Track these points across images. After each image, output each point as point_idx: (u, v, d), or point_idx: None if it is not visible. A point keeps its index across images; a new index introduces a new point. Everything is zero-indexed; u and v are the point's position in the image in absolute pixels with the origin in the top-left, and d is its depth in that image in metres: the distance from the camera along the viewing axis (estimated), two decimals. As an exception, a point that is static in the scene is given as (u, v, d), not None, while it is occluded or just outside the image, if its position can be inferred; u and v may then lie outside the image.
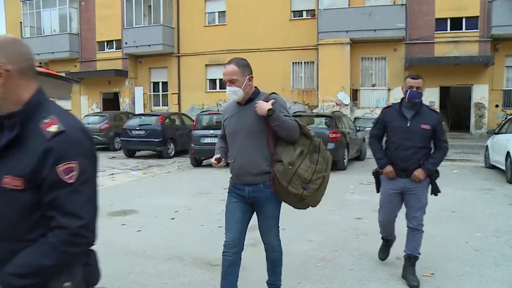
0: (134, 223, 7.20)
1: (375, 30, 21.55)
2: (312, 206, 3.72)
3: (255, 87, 3.66)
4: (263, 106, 3.42)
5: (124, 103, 27.92)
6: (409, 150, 4.47)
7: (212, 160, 3.80)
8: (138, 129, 16.55)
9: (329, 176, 3.66)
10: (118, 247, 5.87)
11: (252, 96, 3.60)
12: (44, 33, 29.29)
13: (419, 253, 4.61)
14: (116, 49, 28.30)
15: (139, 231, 6.76)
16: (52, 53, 28.34)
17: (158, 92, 28.01)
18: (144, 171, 13.67)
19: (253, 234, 6.39)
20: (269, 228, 3.82)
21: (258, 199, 3.66)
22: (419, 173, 4.47)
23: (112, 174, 12.77)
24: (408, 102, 4.51)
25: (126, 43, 26.75)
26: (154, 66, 27.59)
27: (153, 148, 16.58)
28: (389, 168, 4.58)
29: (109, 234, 6.52)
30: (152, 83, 28.11)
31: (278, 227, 3.87)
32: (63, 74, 27.99)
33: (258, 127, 3.54)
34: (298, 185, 3.49)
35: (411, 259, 4.58)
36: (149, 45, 26.08)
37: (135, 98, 27.81)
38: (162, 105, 27.51)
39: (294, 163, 3.47)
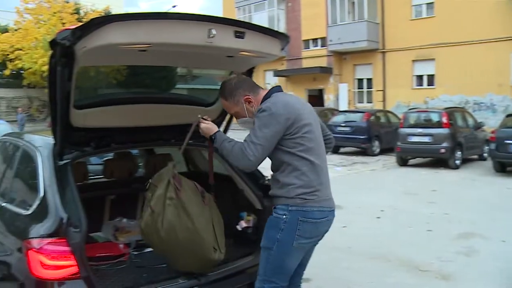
0: (339, 219, 7.21)
1: None
2: None
3: (269, 90, 2.80)
4: (206, 131, 2.83)
5: (328, 100, 28.45)
6: None
7: None
8: (343, 126, 16.69)
9: None
10: (323, 241, 5.99)
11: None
12: (255, 35, 31.44)
13: None
14: (321, 47, 28.97)
15: (344, 227, 6.83)
16: (263, 53, 30.37)
17: (363, 89, 27.84)
18: (349, 167, 13.75)
19: (467, 242, 6.03)
20: (259, 264, 2.83)
21: None
22: None
23: (317, 169, 13.11)
24: None
25: (331, 41, 27.21)
26: (359, 63, 27.48)
27: (358, 145, 16.55)
28: None
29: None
30: (356, 80, 28.08)
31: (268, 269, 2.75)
32: (271, 72, 30.04)
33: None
34: None
35: None
36: (353, 42, 26.07)
37: (339, 95, 28.12)
38: (366, 102, 27.28)
39: None
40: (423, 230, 6.52)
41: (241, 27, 2.76)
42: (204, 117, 2.87)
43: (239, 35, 2.72)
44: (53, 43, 2.42)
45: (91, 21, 2.36)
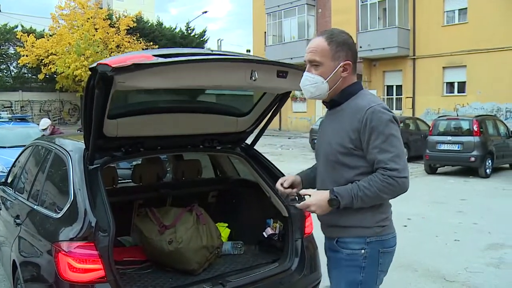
0: (365, 227, 7.23)
1: None
2: None
3: (357, 82, 2.24)
4: (320, 205, 2.13)
5: (357, 106, 28.25)
6: None
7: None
8: (372, 133, 16.53)
9: None
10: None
11: (341, 99, 2.20)
12: (284, 41, 31.68)
13: None
14: (351, 54, 28.81)
15: (370, 235, 6.79)
16: (291, 58, 30.16)
17: (392, 95, 27.59)
18: (375, 175, 13.59)
19: (496, 253, 5.91)
20: None
21: (329, 260, 2.36)
22: None
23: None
24: None
25: (361, 47, 27.03)
26: (388, 69, 27.22)
27: (386, 153, 16.39)
28: None
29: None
30: (386, 87, 27.84)
31: None
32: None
33: (338, 149, 2.17)
34: None
35: None
36: (383, 48, 25.85)
37: (368, 101, 27.91)
38: (396, 109, 26.96)
39: None
40: (450, 239, 6.42)
41: (284, 67, 2.72)
42: (299, 195, 2.32)
43: (281, 75, 2.70)
44: (92, 69, 2.39)
45: (131, 66, 2.28)
